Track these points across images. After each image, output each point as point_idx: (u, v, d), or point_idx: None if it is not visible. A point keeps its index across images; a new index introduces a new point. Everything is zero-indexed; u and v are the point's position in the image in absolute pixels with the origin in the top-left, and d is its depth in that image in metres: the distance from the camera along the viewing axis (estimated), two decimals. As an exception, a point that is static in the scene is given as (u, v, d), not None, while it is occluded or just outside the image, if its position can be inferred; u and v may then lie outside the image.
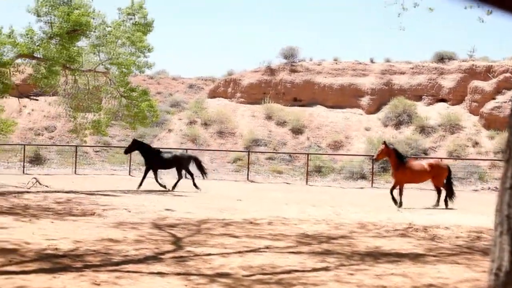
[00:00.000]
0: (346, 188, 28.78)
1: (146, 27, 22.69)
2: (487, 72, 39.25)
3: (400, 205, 18.68)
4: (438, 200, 19.44)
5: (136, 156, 28.23)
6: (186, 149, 33.26)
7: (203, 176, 23.98)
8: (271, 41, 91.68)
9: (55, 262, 8.72)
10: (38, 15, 21.42)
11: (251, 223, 13.86)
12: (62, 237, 10.78)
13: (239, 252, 10.06)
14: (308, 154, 33.37)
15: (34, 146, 37.47)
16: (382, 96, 41.17)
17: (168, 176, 26.93)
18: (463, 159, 33.91)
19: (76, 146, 34.31)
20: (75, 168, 32.80)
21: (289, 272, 8.58)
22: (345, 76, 42.72)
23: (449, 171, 19.84)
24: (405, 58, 51.27)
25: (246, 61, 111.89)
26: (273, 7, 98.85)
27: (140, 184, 22.59)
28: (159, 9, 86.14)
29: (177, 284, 7.63)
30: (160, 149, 25.21)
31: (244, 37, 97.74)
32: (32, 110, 42.96)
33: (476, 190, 28.63)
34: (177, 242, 10.88)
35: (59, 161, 36.48)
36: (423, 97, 41.00)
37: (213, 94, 45.61)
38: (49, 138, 41.76)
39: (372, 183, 30.06)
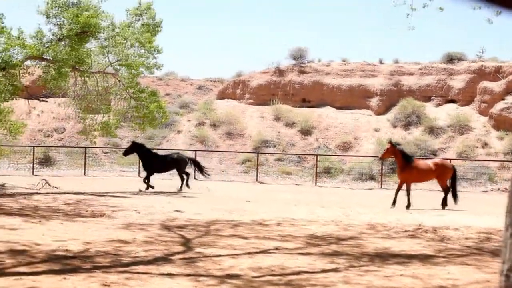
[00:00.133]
0: (355, 189, 28.71)
1: (154, 28, 22.68)
2: (496, 73, 39.09)
3: (408, 205, 18.64)
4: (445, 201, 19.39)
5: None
6: (195, 151, 33.30)
7: (204, 176, 24.14)
8: (279, 42, 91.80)
9: (65, 263, 8.76)
10: (48, 17, 21.50)
11: (260, 224, 13.86)
12: (72, 238, 10.83)
13: (248, 253, 10.07)
14: (317, 155, 33.30)
15: (43, 147, 37.53)
16: (391, 97, 41.07)
17: (174, 177, 26.94)
18: (473, 160, 33.78)
19: (85, 147, 34.34)
20: (85, 169, 32.90)
21: (298, 273, 8.58)
22: (353, 77, 42.64)
23: (454, 171, 19.73)
24: (414, 59, 50.99)
25: (255, 62, 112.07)
26: (281, 8, 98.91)
27: (147, 188, 22.53)
28: (168, 10, 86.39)
29: (187, 285, 7.65)
30: (158, 153, 25.14)
31: (252, 38, 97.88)
32: (42, 111, 43.09)
33: (485, 191, 28.50)
34: (186, 243, 10.90)
35: (69, 163, 36.55)
36: (432, 98, 40.86)
37: (221, 95, 45.61)
38: (59, 140, 41.87)
39: (381, 184, 29.96)
